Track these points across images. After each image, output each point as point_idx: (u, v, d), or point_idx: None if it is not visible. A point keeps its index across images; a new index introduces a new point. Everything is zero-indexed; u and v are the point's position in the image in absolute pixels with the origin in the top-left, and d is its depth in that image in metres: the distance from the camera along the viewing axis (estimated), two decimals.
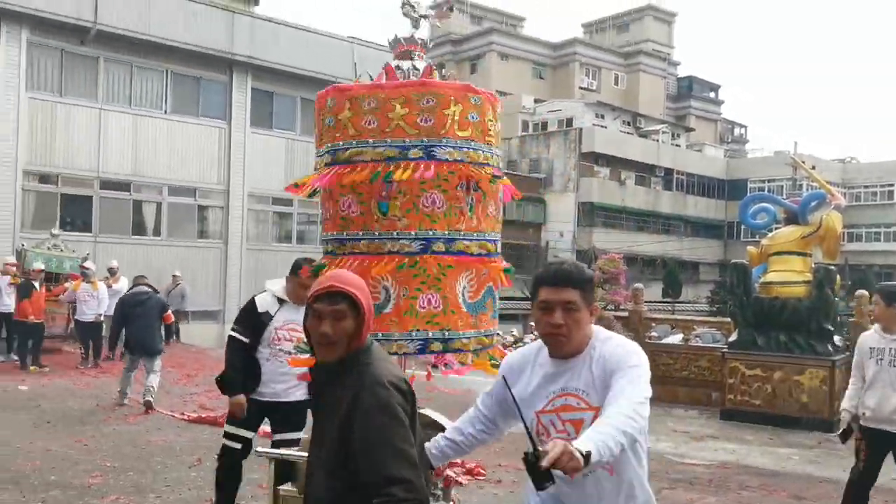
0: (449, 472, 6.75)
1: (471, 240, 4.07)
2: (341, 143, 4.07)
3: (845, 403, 5.23)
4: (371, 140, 3.97)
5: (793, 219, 10.33)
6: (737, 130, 64.67)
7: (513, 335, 23.19)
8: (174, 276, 18.21)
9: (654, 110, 52.89)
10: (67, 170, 18.58)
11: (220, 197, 21.08)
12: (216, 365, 14.45)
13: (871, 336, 5.11)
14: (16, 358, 13.18)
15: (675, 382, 11.60)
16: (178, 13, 19.78)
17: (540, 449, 1.90)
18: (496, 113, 4.40)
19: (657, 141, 46.81)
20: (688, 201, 47.49)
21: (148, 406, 9.46)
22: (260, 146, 21.58)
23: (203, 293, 20.24)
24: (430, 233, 3.96)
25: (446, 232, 3.97)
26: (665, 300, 39.69)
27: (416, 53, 4.64)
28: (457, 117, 4.02)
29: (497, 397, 2.59)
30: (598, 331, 2.40)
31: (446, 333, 3.89)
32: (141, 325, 9.84)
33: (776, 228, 10.86)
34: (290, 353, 4.90)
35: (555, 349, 2.36)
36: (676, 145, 49.02)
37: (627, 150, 44.48)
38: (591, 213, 43.30)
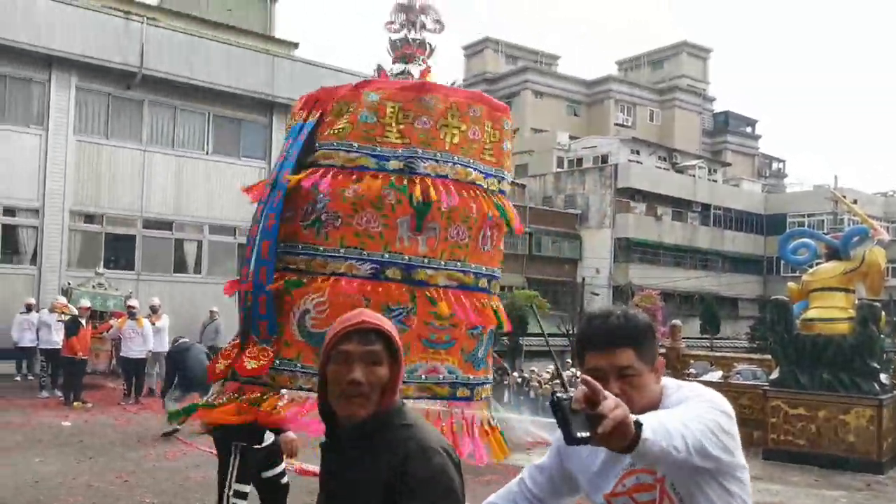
0: None
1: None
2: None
3: None
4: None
5: (834, 254, 10.19)
6: (775, 165, 64.01)
7: (548, 372, 23.02)
8: (211, 311, 18.47)
9: (690, 146, 52.70)
10: (112, 210, 19.07)
11: None
12: None
13: None
14: (60, 394, 13.43)
15: None
16: (221, 58, 20.34)
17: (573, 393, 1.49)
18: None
19: (693, 176, 46.53)
20: (725, 236, 46.95)
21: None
22: None
23: None
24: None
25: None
26: (703, 336, 39.11)
27: (420, 58, 4.33)
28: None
29: (550, 472, 2.12)
30: (667, 384, 1.92)
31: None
32: (195, 365, 10.04)
33: (817, 264, 10.72)
34: None
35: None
36: (713, 180, 48.65)
37: (663, 186, 44.28)
38: (627, 249, 43.03)
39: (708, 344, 37.21)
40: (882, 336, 9.86)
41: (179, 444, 9.74)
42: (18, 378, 15.78)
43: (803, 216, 46.02)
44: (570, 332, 35.88)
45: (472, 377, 3.86)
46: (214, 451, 9.27)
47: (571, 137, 49.27)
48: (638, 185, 43.27)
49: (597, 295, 38.54)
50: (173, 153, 20.04)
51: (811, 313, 10.13)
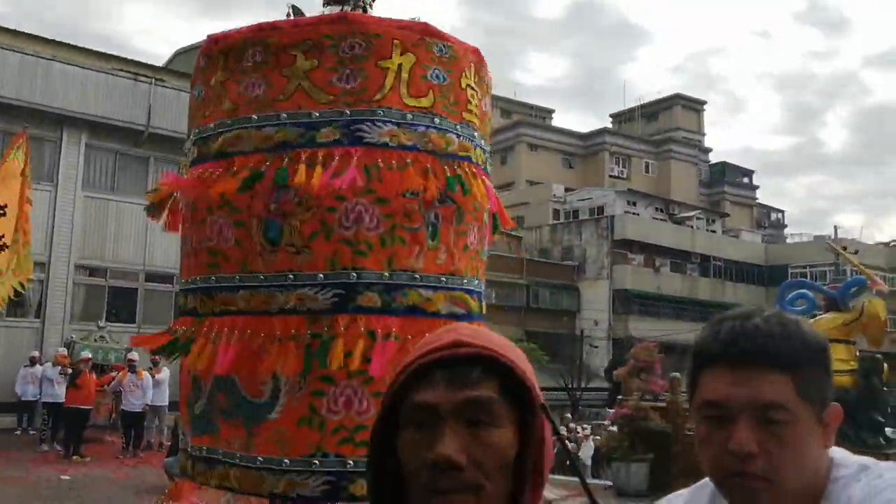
0: None
1: (436, 287, 2.44)
2: (211, 124, 2.55)
3: None
4: (255, 116, 2.39)
5: (832, 305, 10.29)
6: (773, 215, 64.53)
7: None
8: None
9: (687, 197, 53.19)
10: (116, 263, 19.21)
11: None
12: None
13: None
14: (59, 447, 13.36)
15: None
16: None
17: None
18: (483, 79, 2.85)
19: (691, 227, 46.87)
20: (726, 288, 47.04)
21: None
22: None
23: None
24: (354, 274, 2.29)
25: (385, 273, 2.33)
26: None
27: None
28: (405, 75, 2.41)
29: None
30: (839, 459, 1.15)
31: None
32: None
33: (815, 316, 10.81)
34: None
35: None
36: (712, 231, 49.00)
37: (661, 237, 44.55)
38: (626, 301, 43.09)
39: None
40: (885, 388, 9.90)
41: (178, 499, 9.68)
42: (19, 432, 15.72)
43: (805, 267, 46.21)
44: (569, 385, 35.72)
45: None
46: None
47: (567, 189, 49.74)
48: (634, 237, 43.52)
49: (595, 347, 38.49)
50: None
51: None
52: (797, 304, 10.96)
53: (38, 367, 15.14)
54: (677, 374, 12.58)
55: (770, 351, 1.07)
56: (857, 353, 10.08)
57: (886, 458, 9.20)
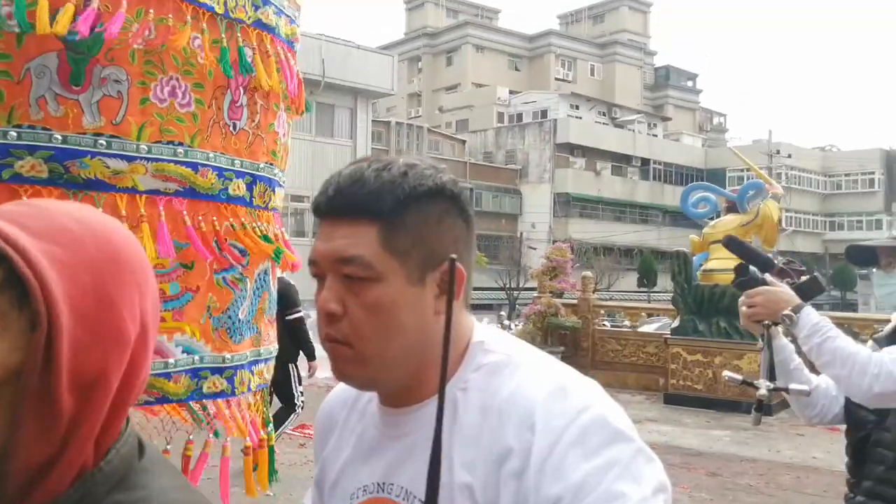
0: None
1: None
2: None
3: None
4: None
5: (732, 208, 10.59)
6: (716, 119, 65.17)
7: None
8: None
9: (632, 100, 53.23)
10: None
11: None
12: None
13: None
14: None
15: (624, 368, 11.94)
16: None
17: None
18: None
19: (633, 131, 47.11)
20: (665, 191, 47.82)
21: None
22: None
23: None
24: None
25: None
26: (641, 290, 40.11)
27: None
28: None
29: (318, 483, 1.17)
30: (490, 344, 0.99)
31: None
32: None
33: (716, 217, 11.13)
34: None
35: (341, 375, 0.99)
36: (653, 135, 49.34)
37: (603, 141, 44.75)
38: (567, 204, 43.57)
39: (646, 297, 38.21)
40: None
41: None
42: None
43: (742, 170, 47.11)
44: (507, 286, 36.48)
45: (228, 356, 2.19)
46: None
47: (511, 92, 49.33)
48: (577, 141, 43.65)
49: (534, 249, 39.00)
50: None
51: (711, 264, 10.54)
52: (700, 206, 11.26)
53: None
54: (589, 273, 12.94)
55: (352, 199, 0.92)
56: None
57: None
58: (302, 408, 6.47)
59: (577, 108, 46.82)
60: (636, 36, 58.39)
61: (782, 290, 2.00)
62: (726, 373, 2.02)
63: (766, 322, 1.98)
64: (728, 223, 10.53)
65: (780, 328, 2.01)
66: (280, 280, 6.12)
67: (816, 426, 2.38)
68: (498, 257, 39.70)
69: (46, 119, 1.88)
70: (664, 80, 60.21)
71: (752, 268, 2.06)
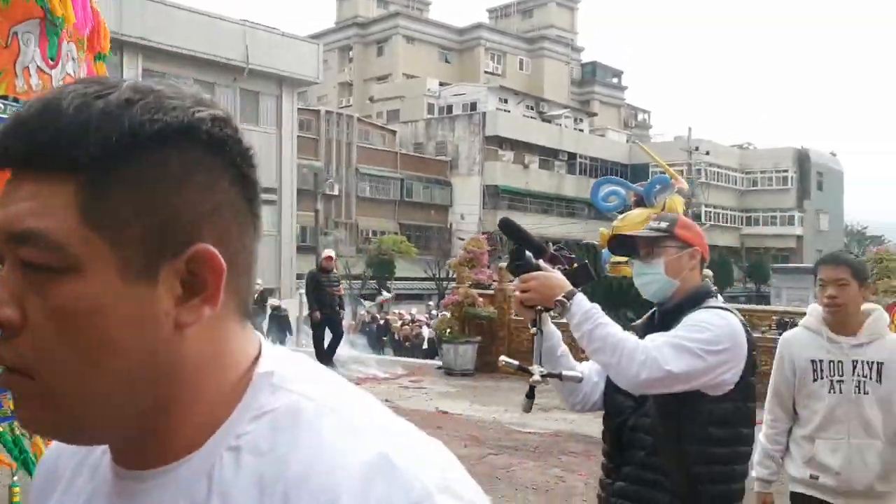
0: None
1: None
2: None
3: (757, 460, 2.86)
4: None
5: (641, 202, 10.96)
6: (640, 116, 66.64)
7: (411, 314, 23.53)
8: None
9: (559, 95, 54.03)
10: None
11: None
12: None
13: (805, 341, 2.83)
14: None
15: None
16: None
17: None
18: None
19: (560, 125, 47.86)
20: (591, 185, 48.55)
21: None
22: None
23: None
24: None
25: None
26: None
27: None
28: None
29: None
30: (265, 368, 0.66)
31: None
32: None
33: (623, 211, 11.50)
34: None
35: (24, 422, 0.65)
36: (580, 130, 50.22)
37: (531, 135, 45.33)
38: (496, 196, 43.99)
39: None
40: None
41: None
42: None
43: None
44: (436, 276, 36.71)
45: None
46: None
47: (441, 84, 49.48)
48: (506, 134, 44.12)
49: (462, 240, 39.27)
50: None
51: (619, 257, 10.91)
52: (609, 200, 11.62)
53: None
54: (503, 265, 13.21)
55: (37, 139, 0.57)
56: None
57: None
58: None
59: (506, 101, 47.31)
60: (564, 32, 59.26)
61: (556, 276, 1.98)
62: (503, 358, 1.99)
63: (539, 308, 1.97)
64: (635, 216, 10.87)
65: (549, 314, 1.99)
66: None
67: (579, 413, 2.39)
68: (428, 247, 39.91)
69: (28, 92, 1.90)
70: (591, 76, 61.28)
71: (527, 253, 2.01)
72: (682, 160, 45.86)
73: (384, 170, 41.38)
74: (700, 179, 47.26)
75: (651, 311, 2.29)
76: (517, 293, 1.98)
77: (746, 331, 2.05)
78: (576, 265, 2.10)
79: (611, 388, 2.14)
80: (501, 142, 44.47)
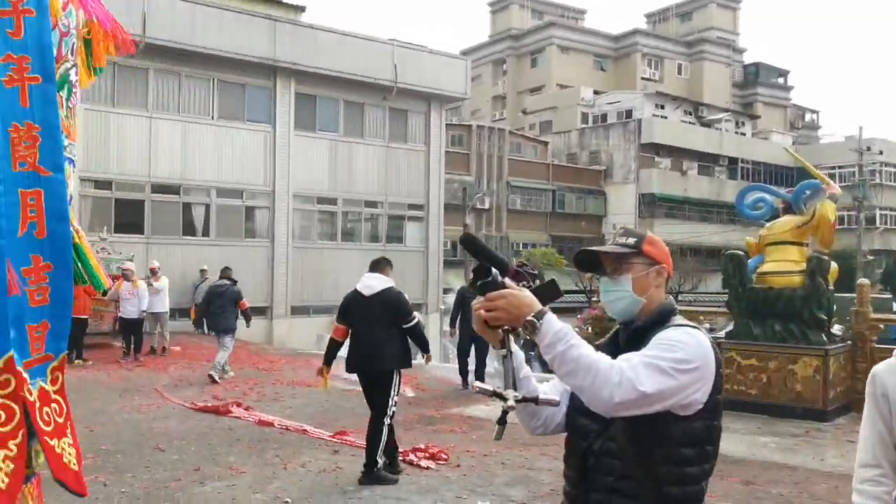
0: (412, 455, 7.14)
1: None
2: None
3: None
4: None
5: (789, 209, 10.27)
6: (808, 116, 62.53)
7: None
8: (202, 270, 19.18)
9: (720, 99, 51.81)
10: (121, 175, 19.74)
11: (266, 198, 21.96)
12: (257, 359, 15.25)
13: None
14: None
15: None
16: (223, 23, 20.69)
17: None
18: None
19: (720, 130, 45.87)
20: None
21: (211, 379, 11.75)
22: (303, 148, 22.38)
23: (251, 290, 21.12)
24: None
25: None
26: (724, 291, 38.81)
27: None
28: None
29: None
30: None
31: None
32: (216, 310, 12.21)
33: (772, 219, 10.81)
34: None
35: None
36: (741, 134, 47.89)
37: (689, 140, 43.84)
38: (652, 204, 42.90)
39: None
40: (831, 288, 9.95)
41: (155, 398, 10.37)
42: None
43: (833, 168, 45.16)
44: (587, 288, 36.08)
45: None
46: (187, 405, 9.87)
47: (596, 93, 48.85)
48: (662, 140, 42.93)
49: None
50: (179, 119, 20.58)
51: (766, 267, 10.26)
52: (756, 207, 10.96)
53: None
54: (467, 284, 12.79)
55: None
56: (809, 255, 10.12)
57: (826, 353, 9.38)
58: (392, 417, 6.47)
59: (663, 107, 45.98)
60: (725, 33, 56.76)
61: (524, 294, 1.86)
62: (476, 383, 1.81)
63: (507, 328, 1.86)
64: (783, 224, 10.22)
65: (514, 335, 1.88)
66: (391, 291, 6.50)
67: (540, 436, 2.23)
68: None
69: None
70: (754, 77, 58.26)
71: (493, 270, 1.88)
72: (853, 161, 42.63)
73: (536, 181, 41.33)
74: (873, 181, 43.62)
75: (615, 330, 2.16)
76: (481, 312, 1.85)
77: (714, 349, 1.97)
78: (538, 282, 1.94)
79: (574, 411, 2.05)
80: (658, 149, 43.28)
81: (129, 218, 19.93)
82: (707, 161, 44.78)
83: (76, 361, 13.52)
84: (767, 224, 10.64)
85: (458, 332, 11.68)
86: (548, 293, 1.90)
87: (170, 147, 20.36)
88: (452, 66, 25.11)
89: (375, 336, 6.37)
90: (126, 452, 7.35)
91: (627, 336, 2.09)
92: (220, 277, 12.89)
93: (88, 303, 14.06)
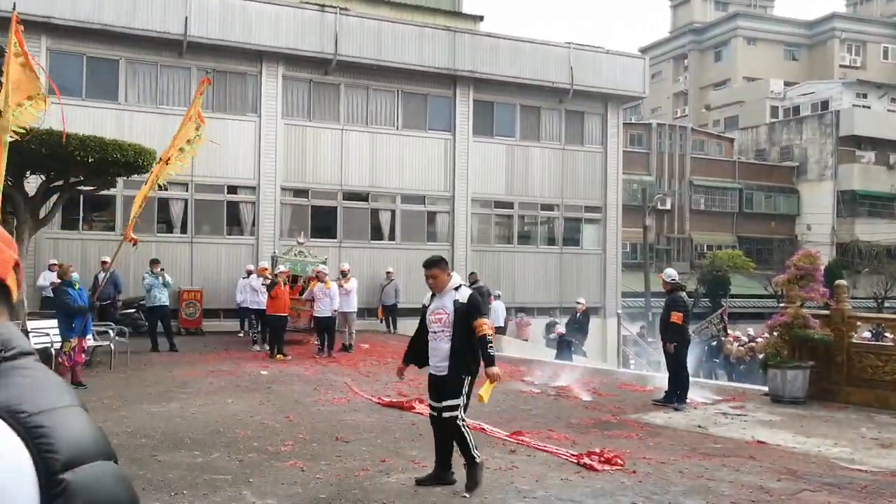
0: (586, 458, 7.27)
1: None
2: None
3: None
4: None
5: None
6: None
7: (748, 335, 22.30)
8: (388, 272, 20.21)
9: None
10: (316, 184, 21.23)
11: (446, 203, 22.75)
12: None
13: None
14: (268, 348, 15.55)
15: (886, 387, 10.88)
16: (407, 38, 21.72)
17: None
18: None
19: None
20: None
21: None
22: (482, 153, 22.97)
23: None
24: None
25: None
26: None
27: None
28: None
29: None
30: None
31: None
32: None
33: None
34: (435, 332, 6.32)
35: None
36: None
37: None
38: (852, 202, 39.86)
39: None
40: None
41: (345, 392, 11.16)
42: (241, 334, 18.35)
43: None
44: (778, 293, 34.07)
45: None
46: (374, 399, 10.56)
47: (787, 84, 46.02)
48: (864, 132, 39.74)
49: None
50: (367, 130, 21.82)
51: None
52: None
53: (252, 278, 17.49)
54: (842, 282, 11.99)
55: None
56: None
57: None
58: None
59: (865, 96, 42.56)
60: None
61: None
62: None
63: None
64: None
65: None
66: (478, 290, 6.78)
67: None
68: (770, 262, 37.31)
69: None
70: None
71: None
72: None
73: (721, 180, 39.62)
74: None
75: None
76: None
77: None
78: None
79: None
80: (859, 141, 40.15)
81: (323, 223, 21.38)
82: None
83: (278, 356, 14.76)
84: None
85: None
86: None
87: (359, 157, 21.63)
88: (630, 65, 24.71)
89: None
90: (320, 441, 8.02)
91: None
92: (471, 283, 13.56)
93: (288, 302, 15.30)
